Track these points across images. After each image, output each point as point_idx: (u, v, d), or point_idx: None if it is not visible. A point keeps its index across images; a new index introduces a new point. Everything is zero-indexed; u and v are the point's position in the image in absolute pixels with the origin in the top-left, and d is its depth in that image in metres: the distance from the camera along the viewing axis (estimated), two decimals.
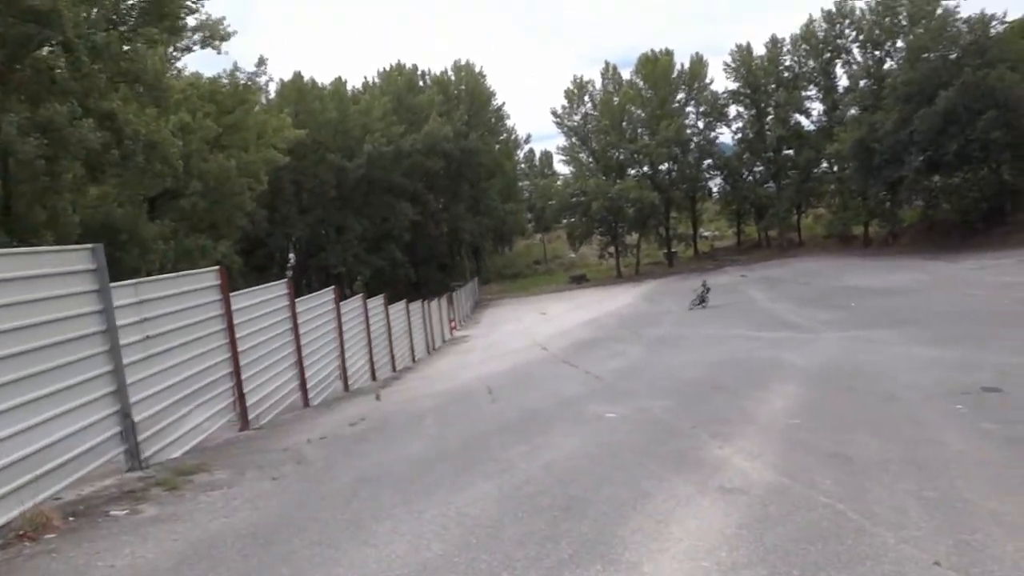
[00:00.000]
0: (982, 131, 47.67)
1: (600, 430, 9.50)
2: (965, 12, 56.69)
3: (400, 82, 74.36)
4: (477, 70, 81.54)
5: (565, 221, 78.02)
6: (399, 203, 65.65)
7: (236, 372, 10.68)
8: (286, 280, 14.28)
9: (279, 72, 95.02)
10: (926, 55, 55.21)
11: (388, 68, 78.69)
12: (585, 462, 7.79)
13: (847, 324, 22.47)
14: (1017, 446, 7.03)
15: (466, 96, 79.03)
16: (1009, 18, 56.96)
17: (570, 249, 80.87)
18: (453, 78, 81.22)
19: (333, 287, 17.86)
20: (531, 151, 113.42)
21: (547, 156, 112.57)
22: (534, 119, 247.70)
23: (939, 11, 59.32)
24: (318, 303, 15.58)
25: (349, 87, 73.52)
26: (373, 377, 19.29)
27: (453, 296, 44.63)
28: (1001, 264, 36.28)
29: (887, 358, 14.38)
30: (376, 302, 21.65)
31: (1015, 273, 32.26)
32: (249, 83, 39.20)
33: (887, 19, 63.39)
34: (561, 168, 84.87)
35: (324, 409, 13.56)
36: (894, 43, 63.45)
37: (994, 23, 54.22)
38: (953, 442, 7.42)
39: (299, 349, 13.47)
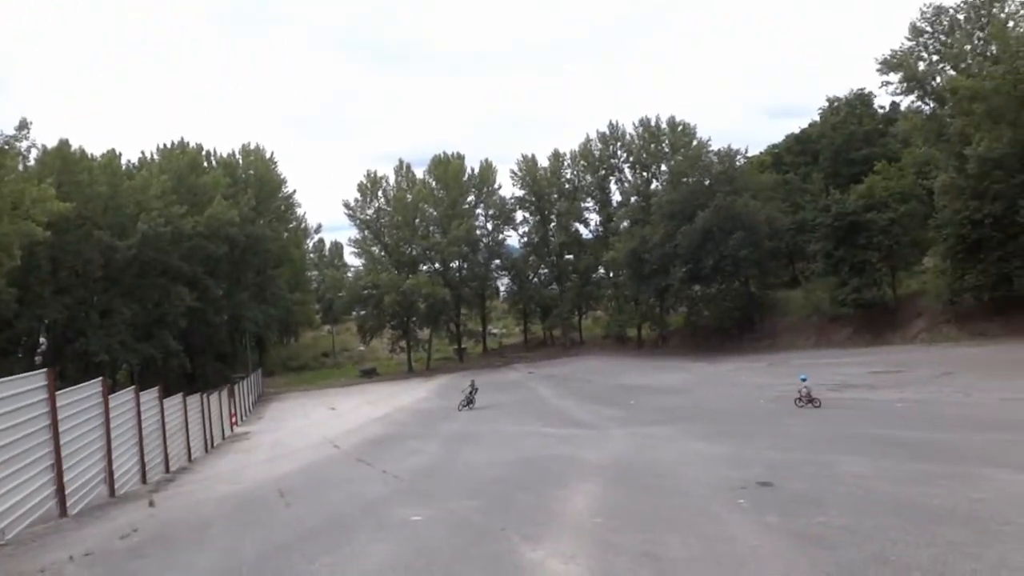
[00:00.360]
0: (733, 249, 54.11)
1: (409, 535, 9.13)
2: (715, 145, 65.40)
3: (183, 160, 70.39)
4: (267, 155, 79.65)
5: (356, 313, 76.85)
6: (175, 287, 61.17)
7: None
8: (46, 371, 12.58)
9: (43, 138, 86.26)
10: (685, 179, 62.38)
11: (170, 144, 74.53)
12: (401, 572, 7.41)
13: (629, 421, 23.79)
14: (799, 539, 7.67)
15: (255, 180, 76.45)
16: (749, 154, 66.43)
17: (360, 342, 79.40)
18: (241, 161, 78.51)
19: (100, 379, 15.97)
20: (321, 241, 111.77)
21: (338, 247, 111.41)
22: (325, 209, 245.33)
23: (695, 143, 67.77)
24: (83, 396, 13.82)
25: (124, 160, 68.52)
26: (144, 480, 17.29)
27: (234, 389, 41.70)
28: (753, 367, 40.62)
29: (671, 454, 15.34)
30: (150, 395, 19.67)
31: (766, 375, 36.20)
32: (6, 146, 35.26)
33: (652, 145, 71.21)
34: (353, 260, 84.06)
35: (87, 519, 11.87)
36: (659, 167, 71.16)
37: (738, 157, 62.84)
38: (746, 537, 7.95)
39: (58, 449, 11.79)
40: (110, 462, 14.74)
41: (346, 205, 74.78)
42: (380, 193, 75.59)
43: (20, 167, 43.95)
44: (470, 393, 33.52)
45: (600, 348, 69.11)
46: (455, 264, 74.44)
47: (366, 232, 75.09)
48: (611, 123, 74.16)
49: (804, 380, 24.15)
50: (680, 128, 70.32)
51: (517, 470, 14.70)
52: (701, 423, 21.57)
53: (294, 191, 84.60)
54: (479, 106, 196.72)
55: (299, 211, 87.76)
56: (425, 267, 73.42)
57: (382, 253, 74.30)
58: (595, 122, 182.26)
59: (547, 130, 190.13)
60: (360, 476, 15.96)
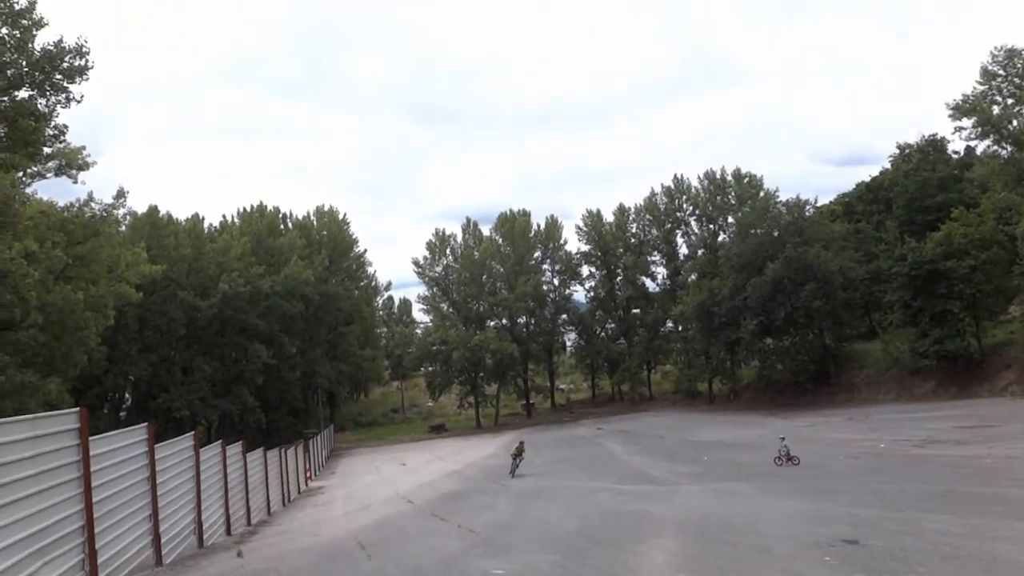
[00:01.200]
0: (805, 300, 53.03)
1: None
2: (783, 196, 64.80)
3: (261, 223, 73.76)
4: (340, 216, 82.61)
5: (424, 369, 77.77)
6: (252, 345, 63.37)
7: (89, 526, 9.67)
8: (147, 425, 13.31)
9: (132, 203, 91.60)
10: (753, 231, 61.74)
11: (248, 208, 78.19)
12: None
13: (703, 477, 23.40)
14: None
15: (328, 241, 79.24)
16: (819, 203, 65.51)
17: (428, 398, 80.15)
18: (315, 223, 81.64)
19: (193, 432, 16.74)
20: (390, 298, 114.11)
21: (407, 304, 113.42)
22: (395, 268, 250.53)
23: (762, 194, 67.25)
24: (177, 449, 14.52)
25: (206, 224, 72.16)
26: (228, 531, 17.84)
27: (308, 444, 42.61)
28: (831, 422, 39.40)
29: (749, 510, 15.06)
30: (234, 449, 20.39)
31: (844, 430, 35.09)
32: (104, 214, 37.57)
33: (718, 197, 70.95)
34: (421, 316, 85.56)
35: (180, 568, 12.37)
36: (726, 218, 70.74)
37: (808, 207, 62.03)
38: None
39: (155, 499, 12.40)
40: (199, 513, 15.33)
41: (415, 263, 76.58)
42: (448, 251, 77.23)
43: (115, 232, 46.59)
44: (517, 456, 30.09)
45: (670, 403, 68.05)
46: (522, 320, 74.94)
47: (435, 289, 76.55)
48: (676, 176, 74.52)
49: (783, 440, 25.31)
50: (746, 179, 70.03)
51: (591, 524, 14.67)
52: (779, 480, 21.09)
53: (365, 250, 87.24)
54: (547, 163, 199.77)
55: (370, 270, 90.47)
56: (492, 323, 74.07)
57: (450, 309, 75.45)
58: (661, 176, 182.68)
59: (611, 186, 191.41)
60: (436, 530, 16.15)
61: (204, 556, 13.79)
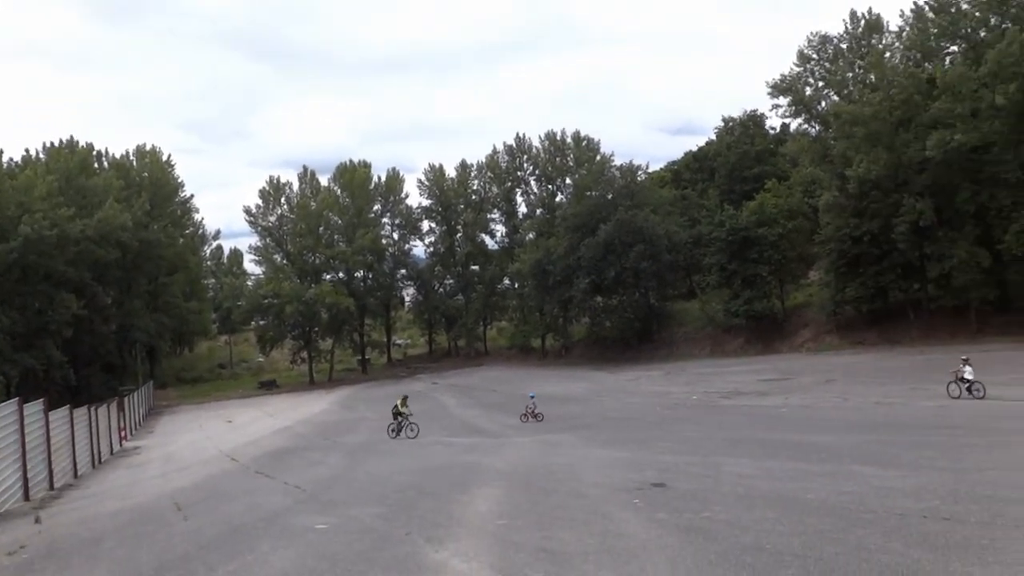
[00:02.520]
0: (633, 261, 55.88)
1: (313, 542, 9.17)
2: (618, 160, 67.55)
3: (71, 161, 66.66)
4: (164, 157, 76.47)
5: (255, 323, 74.73)
6: (60, 294, 57.77)
7: None
8: None
9: None
10: (589, 193, 63.98)
11: (57, 143, 70.58)
12: None
13: (533, 429, 24.28)
14: (686, 532, 8.19)
15: (149, 184, 73.08)
16: (650, 170, 68.90)
17: (259, 353, 77.20)
18: (135, 163, 75.06)
19: None
20: (220, 248, 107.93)
21: (237, 254, 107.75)
22: (224, 215, 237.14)
23: (598, 157, 69.62)
24: None
25: (5, 159, 64.49)
26: (26, 497, 16.45)
27: (124, 402, 39.91)
28: (652, 375, 42.06)
29: (571, 459, 15.82)
30: (34, 407, 18.73)
31: (662, 384, 37.58)
32: None
33: (558, 159, 72.66)
34: (253, 268, 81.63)
35: None
36: (564, 180, 72.63)
37: (640, 172, 65.04)
38: (637, 532, 8.42)
39: None
40: None
41: (247, 211, 72.72)
42: (283, 200, 73.92)
43: None
44: (398, 415, 25.75)
45: (504, 358, 69.76)
46: (360, 274, 73.58)
47: (268, 239, 73.25)
48: (518, 135, 75.25)
49: (532, 397, 27.96)
50: (584, 143, 72.03)
51: (421, 478, 14.84)
52: (603, 430, 22.27)
53: (191, 196, 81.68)
54: (386, 114, 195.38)
55: (196, 216, 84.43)
56: (329, 276, 72.13)
57: (284, 261, 72.64)
58: (504, 134, 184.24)
59: (454, 140, 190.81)
60: (260, 488, 15.72)
61: None
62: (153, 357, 74.67)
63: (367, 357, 74.43)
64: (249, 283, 77.84)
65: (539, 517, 9.85)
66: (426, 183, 77.39)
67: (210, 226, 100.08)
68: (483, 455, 17.88)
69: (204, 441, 32.09)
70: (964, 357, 23.19)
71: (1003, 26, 40.72)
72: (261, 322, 71.91)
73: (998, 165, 39.61)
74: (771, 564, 6.71)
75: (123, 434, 36.83)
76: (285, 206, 73.80)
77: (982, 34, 42.11)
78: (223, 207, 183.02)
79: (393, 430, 25.56)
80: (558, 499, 11.19)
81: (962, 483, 9.73)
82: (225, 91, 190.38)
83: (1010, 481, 9.65)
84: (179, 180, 77.62)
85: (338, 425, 32.83)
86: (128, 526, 11.66)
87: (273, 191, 73.47)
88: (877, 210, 44.21)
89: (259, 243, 73.22)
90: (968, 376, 22.18)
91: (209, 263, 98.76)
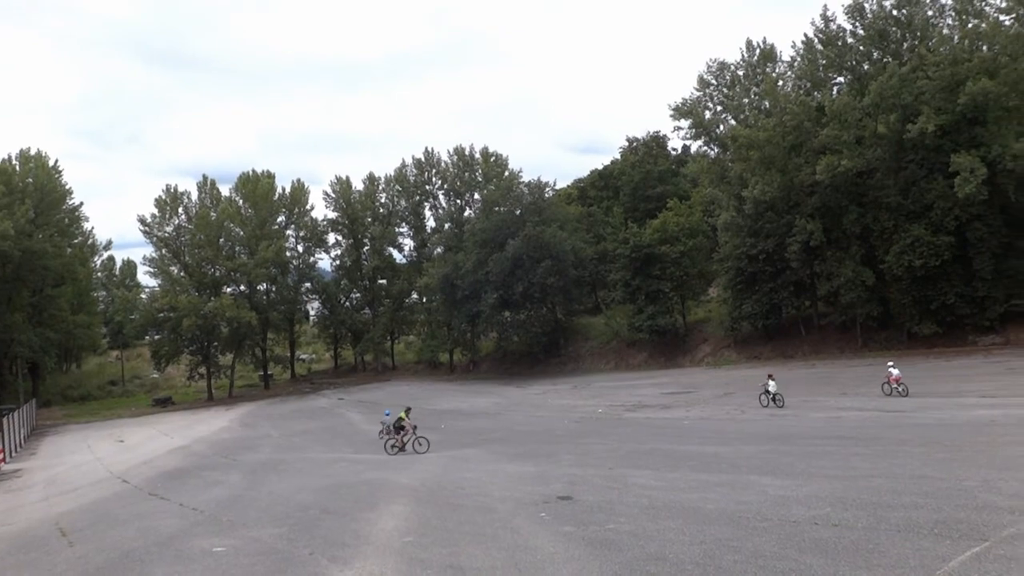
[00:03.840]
0: (541, 276, 56.47)
1: (210, 565, 8.82)
2: (526, 177, 68.36)
3: None
4: (51, 163, 72.30)
5: (149, 338, 71.31)
6: None
7: None
8: None
9: None
10: (497, 208, 64.40)
11: None
12: None
13: (441, 444, 24.07)
14: (591, 545, 8.31)
15: (34, 190, 68.87)
16: (558, 186, 70.01)
17: (154, 369, 73.66)
18: (19, 167, 70.50)
19: None
20: (111, 259, 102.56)
21: (131, 266, 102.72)
22: (117, 225, 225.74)
23: (507, 173, 70.24)
24: None
25: None
26: None
27: (3, 422, 37.26)
28: (558, 389, 42.50)
29: (480, 474, 15.81)
30: None
31: (569, 397, 38.03)
32: None
33: (466, 173, 72.84)
34: (147, 280, 77.82)
35: None
36: (472, 194, 72.83)
37: (547, 189, 65.96)
38: (544, 545, 8.49)
39: None
40: None
41: (142, 221, 69.08)
42: (181, 210, 70.75)
43: None
44: (399, 430, 23.54)
45: (412, 373, 69.12)
46: (262, 287, 71.27)
47: (164, 250, 69.93)
48: (426, 150, 75.14)
49: (387, 415, 26.12)
50: (493, 158, 72.46)
51: (325, 496, 14.51)
52: (511, 444, 22.32)
53: (80, 204, 77.04)
54: (291, 125, 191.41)
55: (86, 225, 79.90)
56: (230, 289, 69.57)
57: (181, 273, 69.55)
58: (413, 148, 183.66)
59: (361, 153, 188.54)
60: (154, 510, 14.99)
61: None
62: (36, 374, 70.08)
63: (270, 373, 72.22)
64: (143, 296, 74.13)
65: (447, 533, 9.80)
66: (332, 195, 76.04)
67: (101, 236, 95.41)
68: (390, 472, 17.64)
69: (93, 462, 30.29)
70: (769, 373, 28.00)
71: (884, 60, 43.57)
72: (156, 336, 68.62)
73: (880, 189, 42.25)
74: (673, 573, 6.89)
75: (1, 456, 34.36)
76: (183, 216, 70.73)
77: (866, 67, 44.92)
78: (116, 217, 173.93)
79: (394, 447, 23.03)
80: (466, 514, 11.16)
81: (850, 491, 10.26)
82: (120, 97, 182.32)
83: (893, 488, 10.24)
84: (67, 187, 73.22)
85: (239, 443, 31.65)
86: (8, 554, 10.91)
87: (170, 200, 70.36)
88: (772, 230, 46.30)
89: (154, 254, 69.84)
90: (771, 390, 26.23)
91: (100, 275, 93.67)
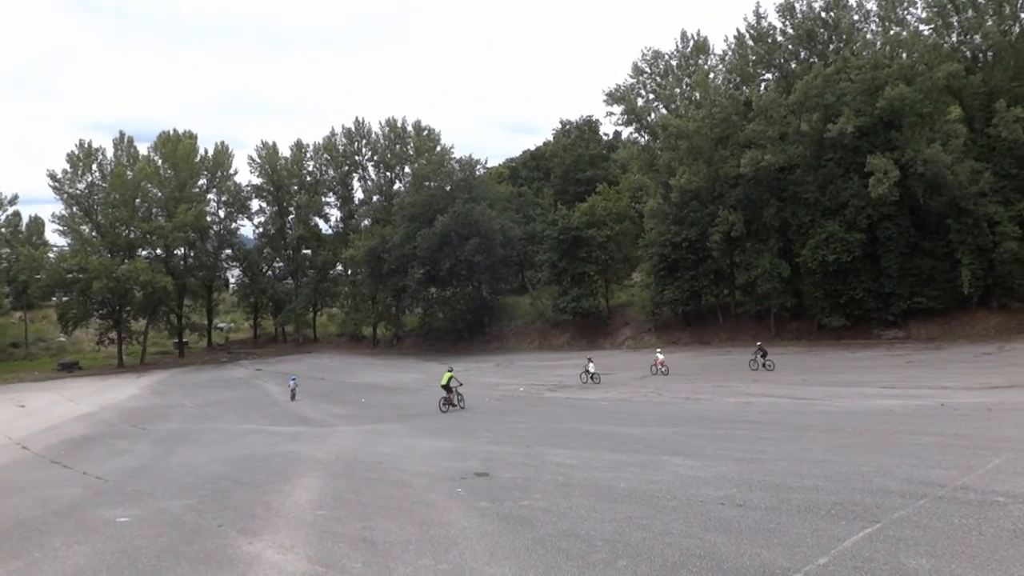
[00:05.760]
0: (468, 254, 56.35)
1: (113, 536, 8.53)
2: (458, 153, 67.84)
3: None
4: None
5: (56, 300, 68.06)
6: None
7: None
8: None
9: None
10: (427, 183, 63.81)
11: None
12: (102, 574, 6.94)
13: (360, 418, 23.93)
14: (506, 520, 8.40)
15: None
16: (489, 165, 69.78)
17: (60, 332, 70.42)
18: None
19: None
20: (17, 214, 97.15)
21: (38, 223, 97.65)
22: (24, 179, 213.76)
23: (439, 148, 69.59)
24: None
25: None
26: None
27: None
28: (482, 367, 42.63)
29: (397, 449, 15.76)
30: None
31: (492, 375, 38.21)
32: None
33: (397, 146, 71.83)
34: (56, 239, 74.04)
35: None
36: (403, 168, 71.93)
37: (479, 167, 65.65)
38: (458, 521, 8.54)
39: None
40: None
41: (51, 176, 65.72)
42: (95, 167, 67.43)
43: None
44: (448, 387, 25.01)
45: (334, 346, 68.21)
46: (180, 251, 68.86)
47: (75, 208, 66.60)
48: (357, 119, 73.57)
49: (293, 379, 33.40)
50: (425, 132, 71.67)
51: (237, 467, 14.23)
52: (429, 420, 22.34)
53: None
54: (216, 84, 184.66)
55: None
56: (145, 252, 66.93)
57: (93, 234, 66.49)
58: (341, 116, 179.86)
59: (290, 118, 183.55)
60: (55, 479, 14.42)
61: None
62: None
63: (185, 341, 70.12)
64: (51, 255, 70.64)
65: (361, 507, 9.75)
66: (258, 160, 73.78)
67: (6, 190, 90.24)
68: (306, 444, 17.42)
69: None
70: (589, 356, 34.15)
71: (811, 60, 44.93)
72: (64, 298, 65.59)
73: (800, 185, 43.71)
74: (584, 549, 7.04)
75: None
76: (97, 174, 67.47)
77: (793, 65, 46.23)
78: (22, 171, 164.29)
79: (445, 404, 24.84)
80: (381, 489, 11.13)
81: (756, 473, 10.67)
82: (28, 42, 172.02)
83: (796, 471, 10.70)
84: None
85: (149, 412, 30.68)
86: None
87: (83, 156, 66.99)
88: (695, 219, 47.34)
89: (64, 212, 66.55)
90: (591, 370, 31.67)
91: (3, 231, 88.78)
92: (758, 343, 34.86)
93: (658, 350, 35.48)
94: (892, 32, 42.78)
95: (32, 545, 8.22)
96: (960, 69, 39.34)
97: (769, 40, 46.56)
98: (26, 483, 14.01)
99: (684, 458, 12.46)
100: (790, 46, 46.21)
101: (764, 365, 31.64)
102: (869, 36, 44.22)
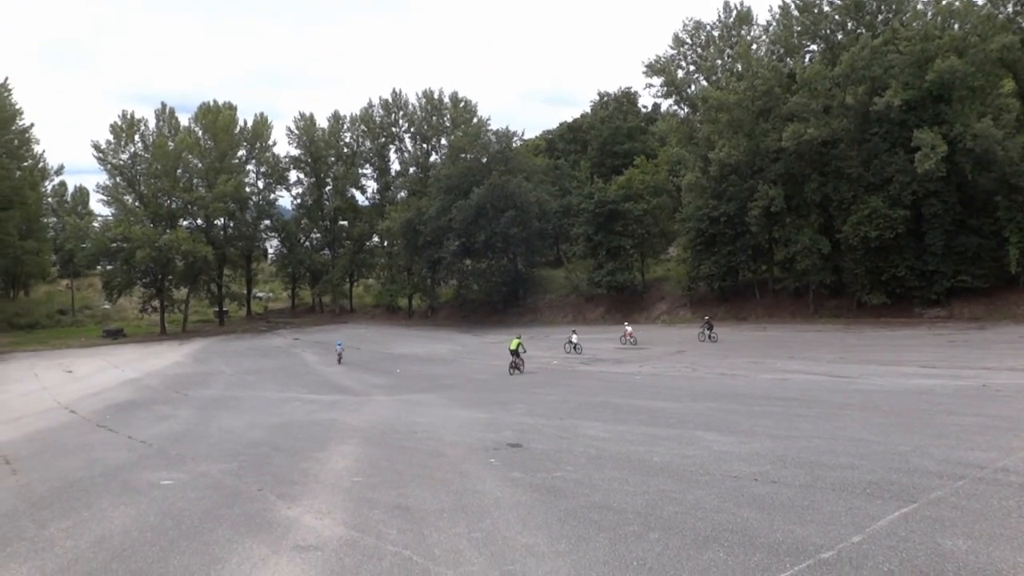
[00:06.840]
0: (504, 226, 56.30)
1: (157, 498, 8.81)
2: (494, 125, 67.55)
3: None
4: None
5: (101, 268, 69.69)
6: None
7: None
8: None
9: None
10: (464, 155, 63.74)
11: None
12: (146, 534, 7.19)
13: (395, 388, 24.23)
14: (538, 491, 8.49)
15: None
16: (525, 137, 69.41)
17: (105, 300, 72.18)
18: None
19: None
20: (63, 184, 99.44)
21: (83, 193, 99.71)
22: (70, 150, 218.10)
23: (475, 120, 69.37)
24: None
25: None
26: None
27: None
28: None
29: (432, 419, 15.96)
30: None
31: (527, 347, 38.27)
32: None
33: (434, 118, 71.77)
34: (100, 209, 75.77)
35: None
36: (439, 139, 71.94)
37: (515, 139, 65.33)
38: (491, 490, 8.64)
39: None
40: None
41: (96, 147, 66.94)
42: (138, 138, 68.53)
43: None
44: (516, 354, 27.37)
45: (370, 317, 68.91)
46: (220, 221, 69.92)
47: (118, 179, 67.88)
48: (394, 91, 73.62)
49: (339, 345, 36.19)
50: (462, 104, 71.47)
51: (277, 434, 14.54)
52: (463, 391, 22.54)
53: (31, 124, 74.53)
54: (255, 56, 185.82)
55: (37, 148, 77.43)
56: (186, 222, 68.02)
57: (136, 203, 67.75)
58: (378, 87, 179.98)
59: (328, 90, 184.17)
60: (101, 442, 14.89)
61: None
62: None
63: (225, 309, 71.39)
64: (96, 224, 72.41)
65: (396, 475, 9.91)
66: (295, 132, 74.33)
67: (53, 160, 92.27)
68: (343, 413, 17.71)
69: (40, 392, 29.84)
70: (573, 329, 38.95)
71: (858, 31, 43.71)
72: (108, 267, 67.08)
73: (843, 160, 42.73)
74: (615, 521, 7.09)
75: None
76: (139, 144, 68.59)
77: (839, 36, 45.04)
78: (68, 141, 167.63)
79: (514, 368, 27.18)
80: (416, 457, 11.30)
81: (790, 450, 10.60)
82: (75, 14, 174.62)
83: (831, 448, 10.61)
84: (17, 107, 70.57)
85: (191, 378, 31.42)
86: None
87: (126, 127, 68.10)
88: (734, 193, 46.66)
89: (108, 182, 67.83)
90: (575, 340, 34.63)
91: (50, 200, 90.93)
92: (706, 317, 39.95)
93: (626, 323, 40.07)
94: (944, 2, 41.33)
95: (81, 505, 8.52)
96: (1015, 41, 37.98)
97: (815, 10, 45.37)
98: (74, 446, 14.48)
99: (718, 433, 12.42)
100: (837, 16, 45.00)
101: (710, 337, 35.70)
102: (920, 6, 42.86)
